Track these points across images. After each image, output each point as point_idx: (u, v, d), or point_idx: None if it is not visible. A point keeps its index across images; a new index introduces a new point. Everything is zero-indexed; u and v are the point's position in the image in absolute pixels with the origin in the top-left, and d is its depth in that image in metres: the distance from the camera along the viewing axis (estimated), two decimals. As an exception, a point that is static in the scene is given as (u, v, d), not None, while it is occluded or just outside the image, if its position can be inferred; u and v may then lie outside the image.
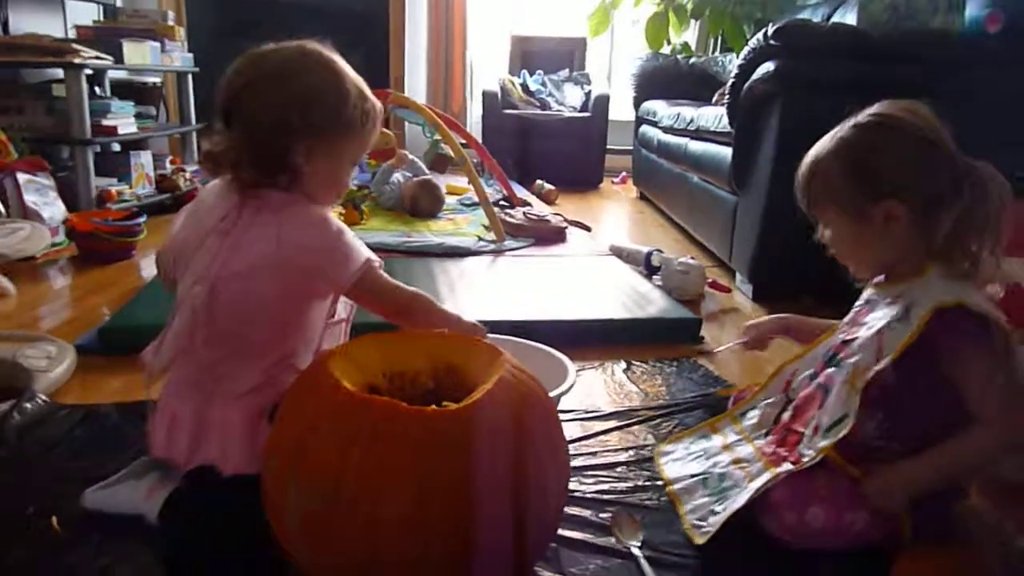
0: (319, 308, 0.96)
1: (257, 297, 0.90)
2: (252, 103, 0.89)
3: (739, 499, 0.95)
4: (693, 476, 1.08)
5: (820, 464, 0.93)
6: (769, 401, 1.15)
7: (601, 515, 1.02)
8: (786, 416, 1.08)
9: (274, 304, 0.91)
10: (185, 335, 0.89)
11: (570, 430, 1.27)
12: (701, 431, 1.22)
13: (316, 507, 0.73)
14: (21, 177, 2.31)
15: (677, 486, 1.08)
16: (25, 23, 2.90)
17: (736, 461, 1.07)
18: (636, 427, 1.30)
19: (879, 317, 0.97)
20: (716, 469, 1.08)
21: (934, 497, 0.91)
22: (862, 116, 0.98)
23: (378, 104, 0.99)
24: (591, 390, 1.45)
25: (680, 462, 1.14)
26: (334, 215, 0.97)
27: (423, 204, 3.06)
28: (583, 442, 1.24)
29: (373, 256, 0.94)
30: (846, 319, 1.07)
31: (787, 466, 0.96)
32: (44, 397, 1.28)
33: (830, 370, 1.01)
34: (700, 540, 0.95)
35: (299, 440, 0.76)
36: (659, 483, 1.11)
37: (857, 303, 1.07)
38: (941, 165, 0.92)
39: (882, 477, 0.91)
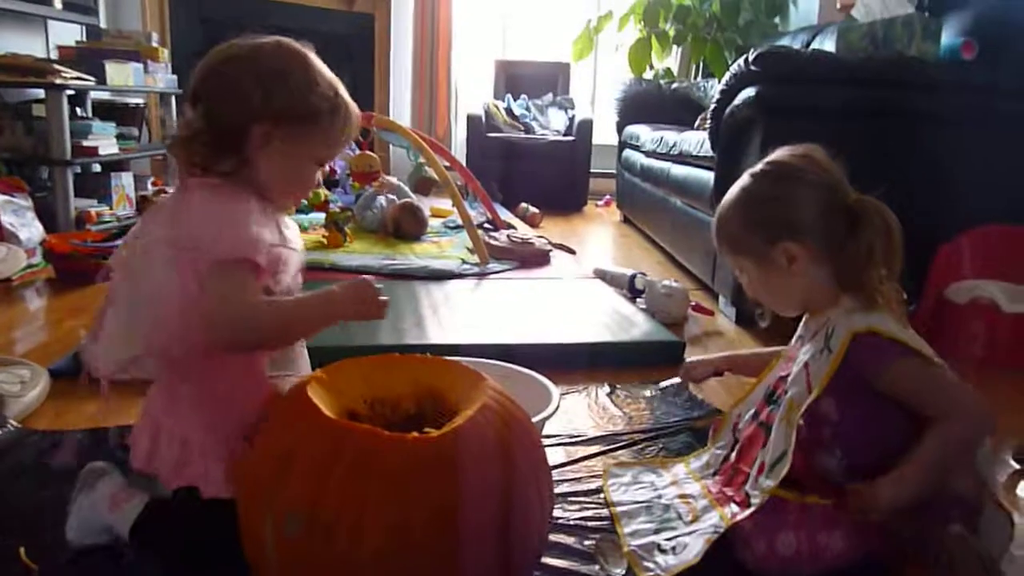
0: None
1: (157, 281, 0.84)
2: (217, 81, 0.89)
3: (693, 549, 0.93)
4: (637, 502, 1.08)
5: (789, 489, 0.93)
6: (720, 444, 1.17)
7: (585, 542, 1.00)
8: (733, 456, 1.09)
9: (175, 294, 0.83)
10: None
11: (554, 455, 1.26)
12: (652, 465, 1.22)
13: (293, 536, 0.72)
14: (-2, 198, 2.29)
15: (619, 509, 1.07)
16: (6, 43, 2.89)
17: (682, 496, 1.08)
18: (620, 452, 1.29)
19: (806, 351, 1.01)
20: (662, 500, 1.08)
21: (918, 519, 0.90)
22: (759, 165, 1.05)
23: (353, 107, 0.95)
24: (575, 414, 1.44)
25: (627, 487, 1.14)
26: (249, 203, 0.88)
27: (406, 227, 3.06)
28: (567, 467, 1.22)
29: (255, 258, 0.83)
30: (784, 357, 1.10)
31: (733, 507, 0.97)
32: (15, 423, 1.25)
33: (769, 408, 1.03)
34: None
35: (276, 467, 0.74)
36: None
37: (793, 339, 1.11)
38: (834, 205, 0.98)
39: (866, 488, 0.90)
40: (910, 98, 1.90)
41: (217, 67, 0.89)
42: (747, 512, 0.93)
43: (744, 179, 1.06)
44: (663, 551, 0.95)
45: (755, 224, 1.03)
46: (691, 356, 1.78)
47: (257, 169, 0.90)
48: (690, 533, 0.97)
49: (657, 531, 1.00)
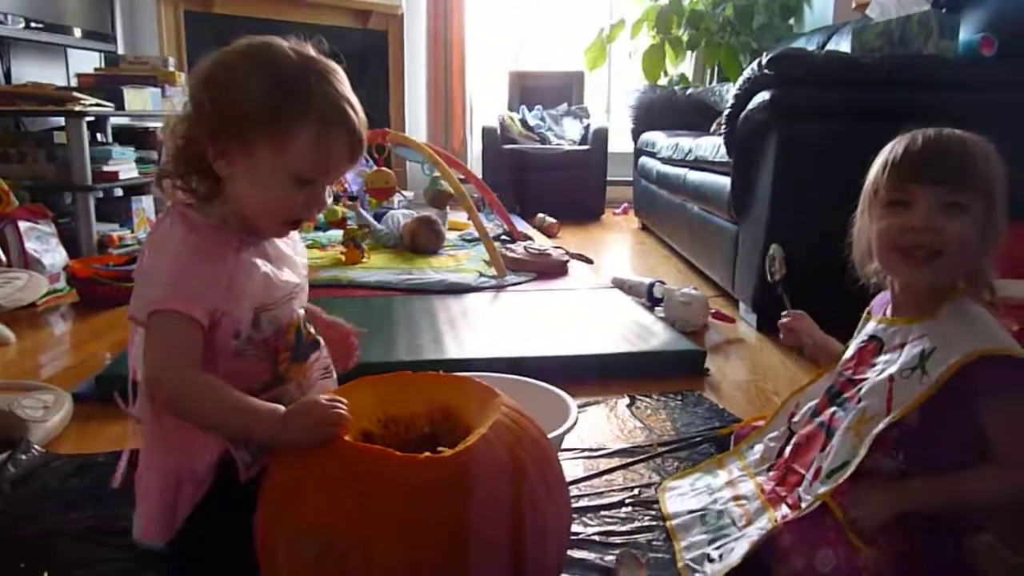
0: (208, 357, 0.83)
1: (134, 326, 0.84)
2: (186, 96, 0.84)
3: (736, 551, 0.91)
4: (692, 512, 1.06)
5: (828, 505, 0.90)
6: (773, 435, 1.13)
7: (605, 558, 0.99)
8: (788, 451, 1.06)
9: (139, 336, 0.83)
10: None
11: (573, 469, 1.25)
12: (707, 467, 1.20)
13: (307, 558, 0.71)
14: (22, 225, 2.33)
15: (675, 521, 1.06)
16: (27, 72, 2.94)
17: (736, 498, 1.06)
18: (640, 465, 1.27)
19: (889, 361, 0.92)
20: (715, 506, 1.06)
21: (948, 534, 0.88)
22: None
23: (345, 112, 0.83)
24: (594, 427, 1.43)
25: (683, 497, 1.12)
26: (207, 242, 0.83)
27: (423, 241, 3.07)
28: (586, 482, 1.21)
29: (182, 308, 0.78)
30: (849, 352, 1.04)
31: (784, 510, 0.94)
32: (39, 448, 1.26)
33: (833, 410, 0.98)
34: None
35: (290, 489, 0.74)
36: (664, 523, 1.08)
37: (860, 336, 1.03)
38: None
39: (866, 491, 0.87)
40: (929, 97, 1.86)
41: (189, 77, 0.86)
42: (795, 514, 0.90)
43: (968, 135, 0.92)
44: (711, 560, 0.94)
45: (1003, 184, 0.90)
46: (712, 365, 1.77)
47: (229, 191, 0.84)
48: (739, 538, 0.95)
49: (711, 541, 0.98)
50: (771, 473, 1.07)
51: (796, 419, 1.10)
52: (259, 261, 0.87)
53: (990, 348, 0.83)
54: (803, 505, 0.91)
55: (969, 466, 0.87)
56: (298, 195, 0.84)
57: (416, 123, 5.00)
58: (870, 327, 1.01)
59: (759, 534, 0.92)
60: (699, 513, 1.06)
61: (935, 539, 0.87)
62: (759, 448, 1.15)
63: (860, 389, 0.94)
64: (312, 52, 0.85)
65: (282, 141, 0.81)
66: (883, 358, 0.93)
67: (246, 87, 0.80)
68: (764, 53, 2.01)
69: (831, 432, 0.96)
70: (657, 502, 1.14)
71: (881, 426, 0.86)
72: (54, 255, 2.39)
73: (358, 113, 0.86)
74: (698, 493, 1.12)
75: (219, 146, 0.81)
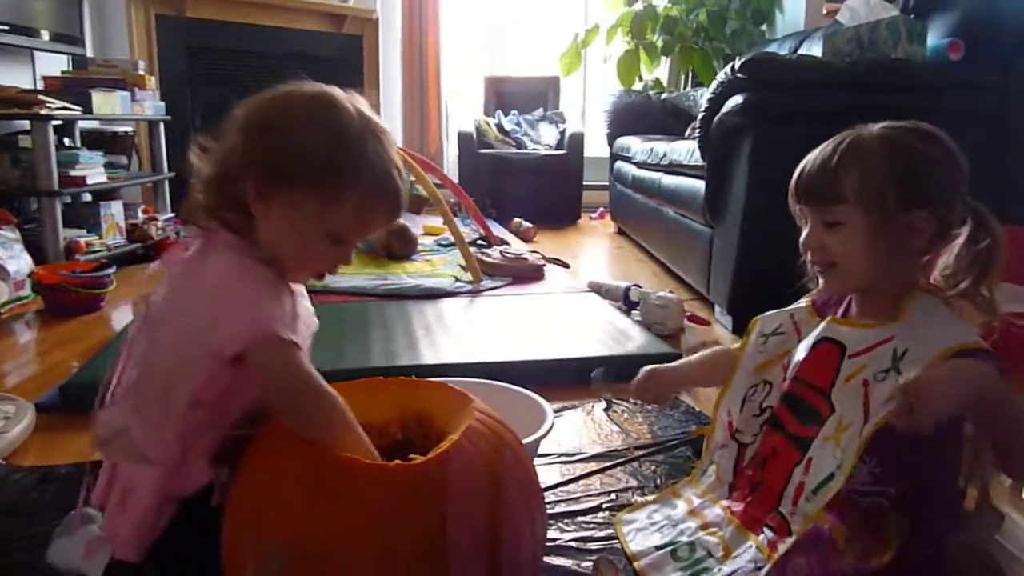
0: (207, 378, 0.79)
1: (158, 343, 0.80)
2: (229, 122, 0.81)
3: None
4: (659, 548, 0.99)
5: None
6: (719, 452, 1.09)
7: (582, 564, 0.98)
8: (748, 468, 1.03)
9: (164, 354, 0.80)
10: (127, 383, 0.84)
11: (549, 474, 1.23)
12: (664, 498, 1.13)
13: (277, 571, 0.69)
14: (-15, 231, 2.27)
15: (643, 561, 0.97)
16: (-7, 76, 2.88)
17: (705, 526, 1.01)
18: (618, 469, 1.26)
19: (857, 365, 0.90)
20: (684, 537, 1.00)
21: (928, 533, 0.87)
22: (896, 124, 0.93)
23: (392, 183, 0.82)
24: (571, 431, 1.42)
25: (643, 533, 1.04)
26: (263, 272, 0.81)
27: (396, 248, 3.05)
28: (563, 487, 1.20)
29: (286, 335, 0.76)
30: (801, 355, 0.99)
31: (769, 533, 0.91)
32: None
33: (799, 420, 0.95)
34: None
35: (257, 501, 0.72)
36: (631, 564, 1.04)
37: (809, 339, 0.99)
38: (961, 191, 0.89)
39: (914, 383, 0.77)
40: (898, 100, 1.88)
41: (243, 106, 0.82)
42: (790, 541, 0.86)
43: (878, 130, 0.92)
44: None
45: (904, 179, 0.88)
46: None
47: (262, 231, 0.81)
48: (731, 574, 0.90)
49: None
50: (735, 493, 1.03)
51: (739, 429, 1.06)
52: (299, 297, 0.86)
53: (965, 343, 0.83)
54: (793, 527, 0.88)
55: (942, 465, 0.86)
56: (330, 251, 0.84)
57: (391, 128, 4.88)
58: (822, 327, 0.98)
59: (755, 567, 0.88)
60: (668, 548, 0.98)
61: (914, 539, 0.86)
62: (712, 469, 1.10)
63: (828, 396, 0.91)
64: (367, 109, 0.84)
65: (329, 202, 0.79)
66: (849, 363, 0.91)
67: (306, 143, 0.78)
68: (737, 58, 2.02)
69: (803, 443, 0.93)
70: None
71: (870, 429, 0.83)
72: (19, 262, 2.33)
73: (403, 178, 0.85)
74: (659, 526, 1.05)
75: (262, 189, 0.79)
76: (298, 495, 0.70)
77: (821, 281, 0.98)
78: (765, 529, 0.93)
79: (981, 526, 0.88)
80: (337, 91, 0.83)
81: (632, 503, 1.14)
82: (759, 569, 0.87)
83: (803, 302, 1.07)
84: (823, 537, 0.85)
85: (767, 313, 1.11)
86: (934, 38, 2.12)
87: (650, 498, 1.15)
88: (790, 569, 0.84)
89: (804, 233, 0.96)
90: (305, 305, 0.86)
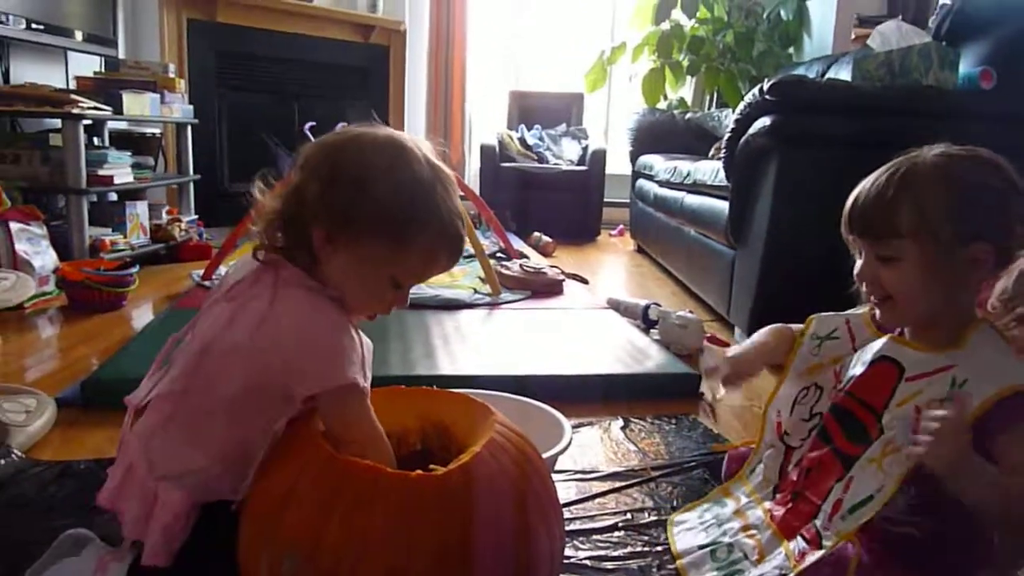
0: (279, 411, 0.83)
1: (227, 378, 0.82)
2: (302, 163, 0.82)
3: None
4: (702, 547, 1.02)
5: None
6: (768, 452, 1.11)
7: (597, 583, 0.97)
8: (792, 472, 1.03)
9: (238, 391, 0.82)
10: (167, 391, 0.85)
11: (565, 492, 1.22)
12: (716, 496, 1.16)
13: (291, 572, 0.69)
14: (13, 226, 2.30)
15: (686, 559, 1.01)
16: (26, 73, 2.93)
17: (745, 528, 1.03)
18: (634, 489, 1.25)
19: (911, 390, 0.89)
20: (725, 538, 1.02)
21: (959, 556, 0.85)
22: (953, 150, 0.90)
23: (454, 230, 0.83)
24: (588, 449, 1.41)
25: (692, 532, 1.08)
26: (336, 310, 0.83)
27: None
28: (579, 505, 1.19)
29: (360, 380, 0.80)
30: (858, 370, 0.98)
31: (802, 543, 0.90)
32: (19, 453, 1.23)
33: (846, 435, 0.95)
34: None
35: (276, 504, 0.72)
36: (657, 549, 1.05)
37: (868, 353, 0.98)
38: (1020, 217, 0.86)
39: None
40: (927, 127, 1.86)
41: (313, 148, 0.83)
42: (817, 555, 0.87)
43: (931, 157, 0.89)
44: None
45: (962, 211, 0.85)
46: (706, 389, 1.76)
47: (327, 272, 0.83)
48: None
49: None
50: (778, 496, 1.04)
51: (788, 432, 1.07)
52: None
53: (1007, 387, 0.81)
54: (825, 543, 0.88)
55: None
56: (391, 294, 0.85)
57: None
58: (880, 344, 0.97)
59: (777, 574, 0.89)
60: (709, 548, 1.02)
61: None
62: (760, 468, 1.12)
63: (879, 417, 0.91)
64: (433, 155, 0.85)
65: (397, 251, 0.81)
66: (905, 386, 0.90)
67: (380, 196, 0.79)
68: (764, 80, 2.01)
69: (847, 460, 0.93)
70: (650, 527, 1.12)
71: (912, 461, 0.82)
72: (44, 257, 2.36)
73: (464, 224, 0.86)
74: (707, 525, 1.08)
75: (332, 236, 0.81)
76: (316, 499, 0.70)
77: (877, 312, 0.97)
78: (799, 538, 0.93)
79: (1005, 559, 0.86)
80: (406, 138, 0.84)
81: (647, 522, 1.14)
82: (782, 574, 0.88)
83: (861, 310, 1.06)
84: (847, 561, 0.84)
85: (822, 314, 1.11)
86: (966, 66, 2.10)
87: (704, 497, 1.18)
88: None
89: (858, 264, 0.94)
90: (360, 334, 0.87)
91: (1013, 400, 0.80)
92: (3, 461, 1.19)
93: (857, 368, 0.99)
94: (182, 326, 0.92)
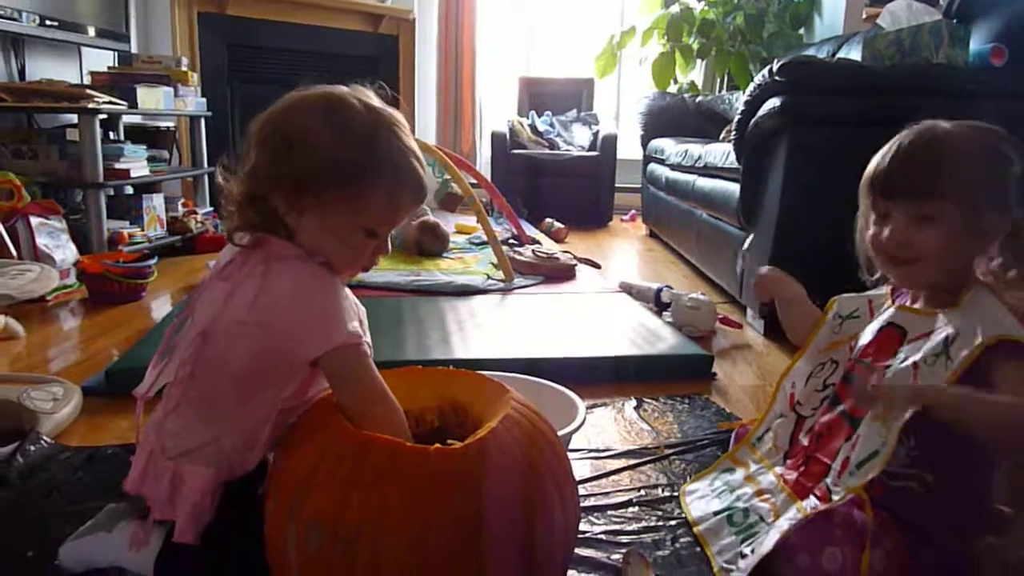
0: (285, 379, 0.85)
1: (232, 356, 0.83)
2: (247, 141, 0.84)
3: (767, 541, 0.91)
4: (717, 514, 1.06)
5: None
6: (778, 421, 1.14)
7: (612, 557, 0.99)
8: (803, 439, 1.06)
9: (243, 366, 0.84)
10: (174, 378, 0.88)
11: (580, 469, 1.25)
12: (723, 464, 1.20)
13: (315, 548, 0.71)
14: (34, 220, 2.34)
15: (702, 526, 1.05)
16: (42, 70, 2.96)
17: (759, 493, 1.06)
18: (647, 466, 1.27)
19: (913, 349, 0.93)
20: (740, 503, 1.05)
21: (954, 534, 0.87)
22: (972, 123, 0.94)
23: (412, 168, 0.84)
24: (602, 428, 1.43)
25: (704, 500, 1.11)
26: (327, 274, 0.85)
27: (428, 245, 3.08)
28: (593, 482, 1.21)
29: (358, 335, 0.82)
30: (867, 338, 1.03)
31: (814, 501, 0.94)
32: (48, 439, 1.27)
33: (855, 400, 0.99)
34: None
35: (300, 481, 0.74)
36: (671, 523, 1.08)
37: (877, 321, 1.03)
38: None
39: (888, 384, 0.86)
40: (939, 105, 1.85)
41: (255, 123, 0.84)
42: (827, 506, 0.90)
43: (955, 127, 0.93)
44: (744, 556, 0.95)
45: (991, 179, 0.90)
46: (719, 370, 1.77)
47: (301, 237, 0.85)
48: (769, 530, 0.95)
49: (743, 541, 0.98)
50: (788, 462, 1.07)
51: (800, 402, 1.10)
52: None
53: (1009, 334, 0.85)
54: (834, 497, 0.91)
55: (976, 451, 0.87)
56: (368, 245, 0.86)
57: (426, 127, 5.02)
58: (889, 313, 1.02)
59: (789, 524, 0.91)
60: (725, 514, 1.05)
61: (941, 539, 0.87)
62: (768, 436, 1.15)
63: (884, 378, 0.94)
64: (375, 101, 0.86)
65: (357, 200, 0.82)
66: (907, 347, 0.94)
67: (323, 150, 0.80)
68: (775, 61, 2.01)
69: (855, 421, 0.96)
70: (663, 501, 1.14)
71: (908, 414, 0.86)
72: (64, 251, 2.40)
73: (422, 163, 0.87)
74: (719, 492, 1.11)
75: (291, 202, 0.82)
76: (339, 474, 0.72)
77: (894, 276, 1.00)
78: (811, 496, 0.96)
79: (1018, 530, 0.88)
80: (342, 89, 0.85)
81: (660, 498, 1.16)
82: (792, 523, 0.90)
83: (884, 288, 1.09)
84: (857, 527, 0.86)
85: (844, 295, 1.13)
86: (977, 43, 2.09)
87: (710, 467, 1.21)
88: (824, 559, 0.85)
89: (882, 229, 0.96)
90: (351, 297, 0.89)
91: (1000, 347, 0.84)
92: (33, 447, 1.22)
93: (866, 336, 1.03)
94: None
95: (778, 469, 1.08)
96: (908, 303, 1.01)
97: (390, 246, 0.90)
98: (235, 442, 0.86)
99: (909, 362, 0.91)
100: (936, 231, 0.92)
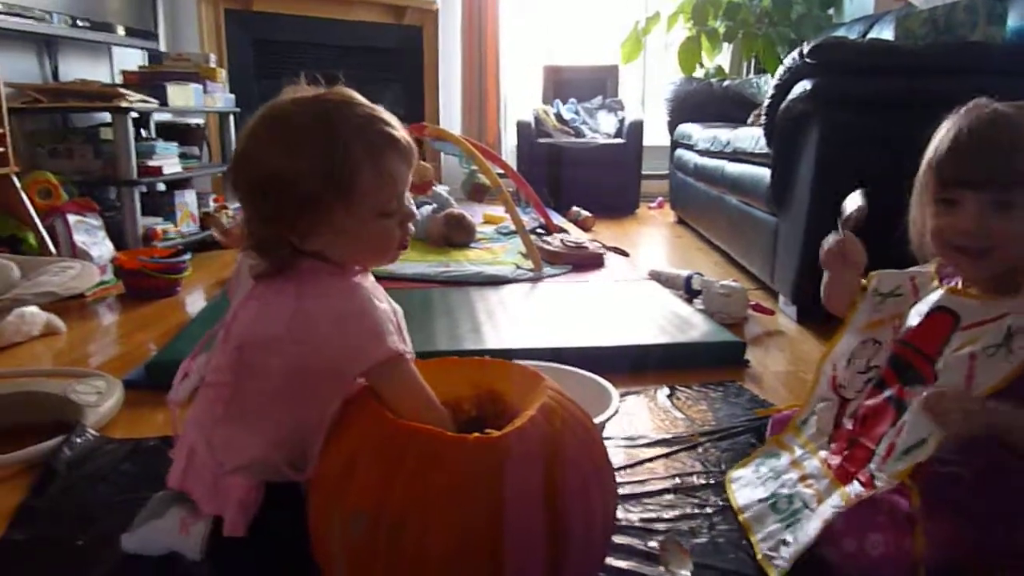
0: (331, 392, 0.86)
1: (269, 370, 0.85)
2: (235, 182, 0.82)
3: (810, 529, 0.91)
4: (761, 501, 1.05)
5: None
6: (821, 405, 1.12)
7: (649, 544, 0.99)
8: (847, 422, 1.05)
9: (283, 381, 0.85)
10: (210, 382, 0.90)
11: (615, 457, 1.24)
12: (768, 450, 1.18)
13: (358, 538, 0.73)
14: (71, 218, 2.39)
15: (747, 514, 1.04)
16: (74, 70, 3.01)
17: (803, 478, 1.04)
18: (682, 454, 1.27)
19: (969, 337, 0.90)
20: (784, 490, 1.04)
21: (1002, 523, 0.86)
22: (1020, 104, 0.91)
23: (384, 133, 0.82)
24: (635, 416, 1.43)
25: (749, 487, 1.10)
26: (362, 288, 0.85)
27: (455, 237, 3.10)
28: (628, 470, 1.21)
29: (402, 347, 0.82)
30: (914, 320, 1.00)
31: (857, 487, 0.92)
32: (93, 431, 1.30)
33: (902, 384, 0.97)
34: (774, 574, 0.91)
35: (342, 470, 0.76)
36: (708, 511, 1.08)
37: (925, 304, 1.00)
38: None
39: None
40: (976, 84, 1.82)
41: (227, 176, 0.83)
42: (871, 493, 0.89)
43: (1012, 108, 0.91)
44: (787, 544, 0.94)
45: None
46: (752, 357, 1.76)
47: (330, 256, 0.84)
48: (812, 517, 0.94)
49: (786, 528, 0.97)
50: (833, 446, 1.06)
51: (843, 384, 1.08)
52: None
53: None
54: (878, 484, 0.89)
55: None
56: (390, 225, 0.85)
57: (451, 117, 5.02)
58: (938, 296, 0.98)
59: (832, 511, 0.90)
60: (769, 501, 1.04)
61: (990, 526, 0.85)
62: (812, 420, 1.13)
63: (936, 364, 0.92)
64: (309, 93, 0.83)
65: (350, 193, 0.80)
66: (961, 334, 0.91)
67: (289, 175, 0.78)
68: (804, 43, 1.98)
69: (902, 406, 0.94)
70: (700, 490, 1.14)
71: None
72: (101, 247, 2.45)
73: (392, 123, 0.84)
74: (764, 479, 1.10)
75: (298, 230, 0.81)
76: (381, 464, 0.73)
77: (964, 267, 0.96)
78: (855, 482, 0.94)
79: None
80: (274, 103, 0.83)
81: (696, 485, 1.16)
82: (836, 511, 0.89)
83: (928, 267, 1.06)
84: (901, 515, 0.85)
85: (884, 271, 1.10)
86: (1015, 20, 2.05)
87: (755, 452, 1.20)
88: (868, 545, 0.85)
89: (950, 219, 0.93)
90: (385, 303, 0.89)
91: None
92: (79, 440, 1.25)
93: (914, 319, 1.00)
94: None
95: (822, 454, 1.06)
96: (959, 285, 0.98)
97: (415, 210, 0.88)
98: (281, 456, 0.87)
99: (965, 352, 0.88)
100: (1012, 217, 0.88)
